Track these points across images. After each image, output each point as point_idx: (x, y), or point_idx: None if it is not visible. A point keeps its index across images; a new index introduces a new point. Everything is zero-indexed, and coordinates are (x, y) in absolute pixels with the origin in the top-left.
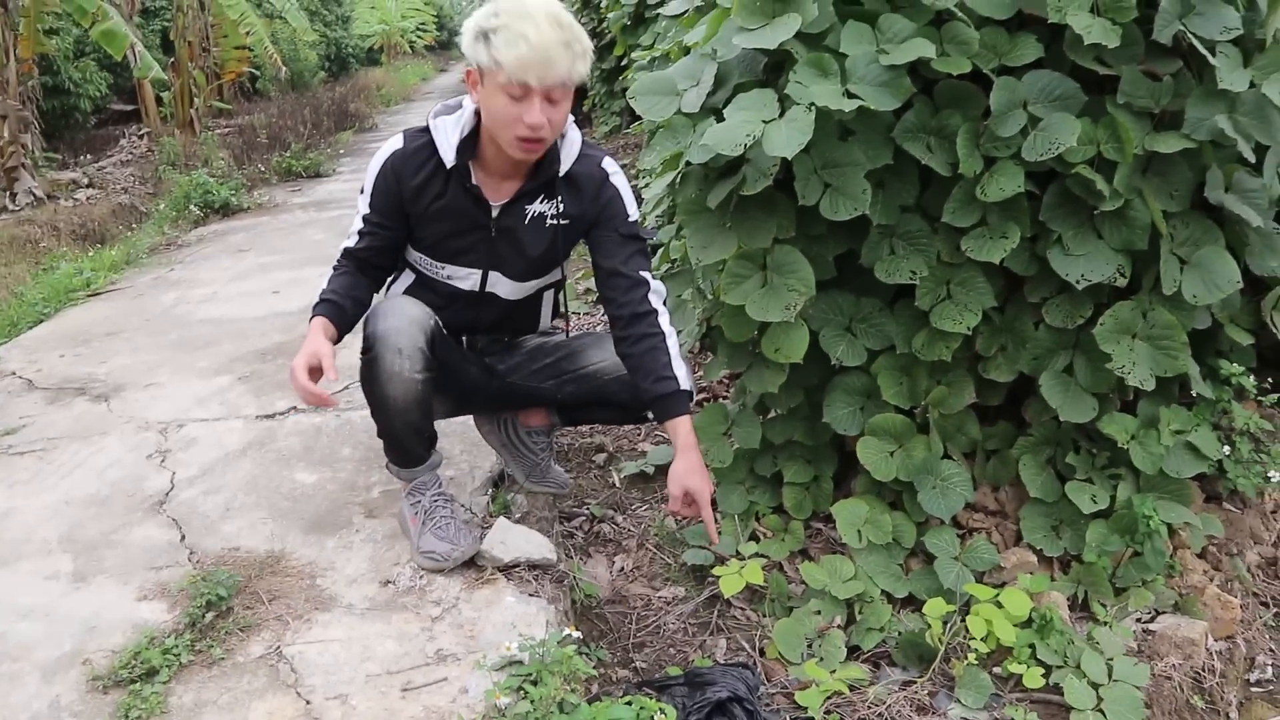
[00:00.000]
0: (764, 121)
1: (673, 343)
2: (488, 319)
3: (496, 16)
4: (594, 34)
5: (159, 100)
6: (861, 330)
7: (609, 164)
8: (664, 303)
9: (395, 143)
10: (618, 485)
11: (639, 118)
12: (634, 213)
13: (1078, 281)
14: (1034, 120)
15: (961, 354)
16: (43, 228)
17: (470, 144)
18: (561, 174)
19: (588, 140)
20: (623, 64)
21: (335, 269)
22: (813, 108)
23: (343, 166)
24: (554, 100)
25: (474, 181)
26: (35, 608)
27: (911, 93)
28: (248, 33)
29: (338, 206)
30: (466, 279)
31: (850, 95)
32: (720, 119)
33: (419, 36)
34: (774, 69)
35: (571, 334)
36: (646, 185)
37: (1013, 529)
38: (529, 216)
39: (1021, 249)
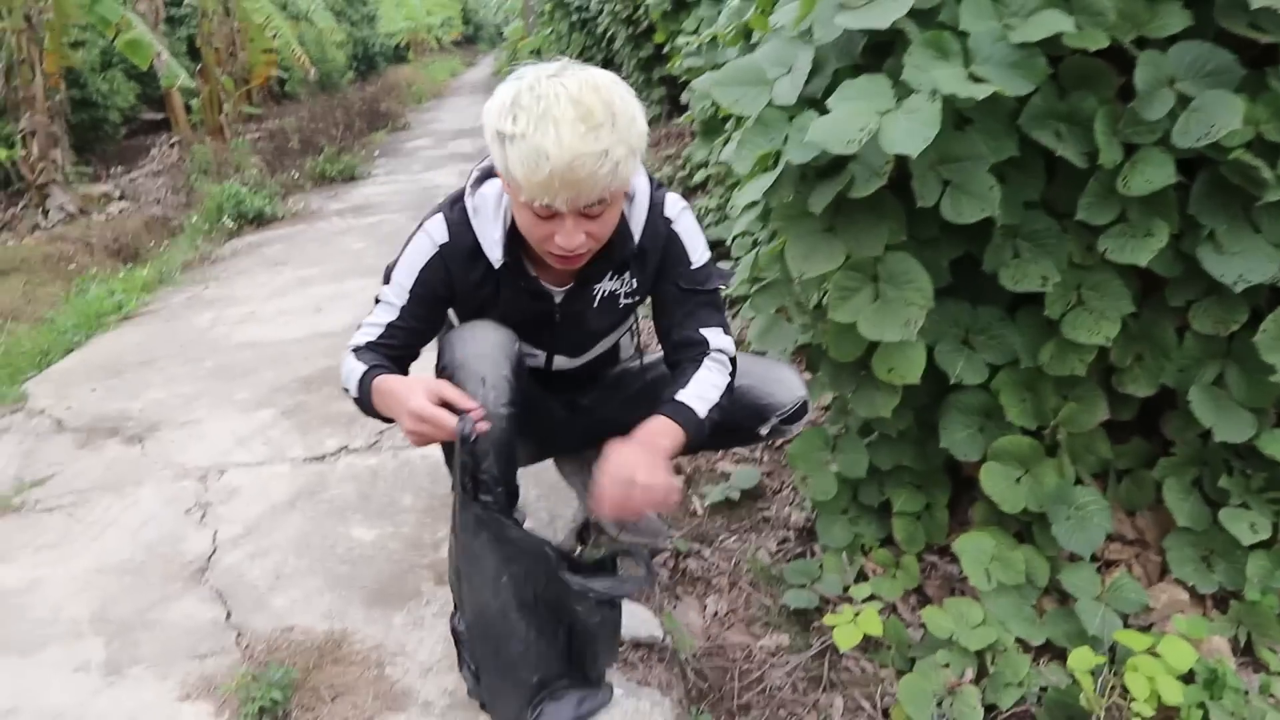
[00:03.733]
0: (879, 113)
1: (705, 374)
2: (559, 384)
3: (514, 119)
4: (631, 20)
5: (188, 108)
6: (980, 343)
7: (672, 207)
8: (729, 358)
9: (439, 233)
10: (700, 514)
11: (682, 108)
12: (697, 257)
13: (1235, 283)
14: (1183, 100)
15: (1093, 366)
16: (75, 244)
17: (518, 233)
18: (635, 249)
19: (652, 178)
20: (662, 51)
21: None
22: (937, 95)
23: (378, 168)
24: (592, 215)
25: (532, 274)
26: (65, 710)
27: (1047, 74)
28: (274, 35)
29: (376, 212)
30: (530, 357)
31: (976, 79)
32: (822, 111)
33: (445, 32)
34: (873, 51)
35: (647, 356)
36: (699, 182)
37: (1155, 560)
38: (598, 298)
39: (1165, 247)
